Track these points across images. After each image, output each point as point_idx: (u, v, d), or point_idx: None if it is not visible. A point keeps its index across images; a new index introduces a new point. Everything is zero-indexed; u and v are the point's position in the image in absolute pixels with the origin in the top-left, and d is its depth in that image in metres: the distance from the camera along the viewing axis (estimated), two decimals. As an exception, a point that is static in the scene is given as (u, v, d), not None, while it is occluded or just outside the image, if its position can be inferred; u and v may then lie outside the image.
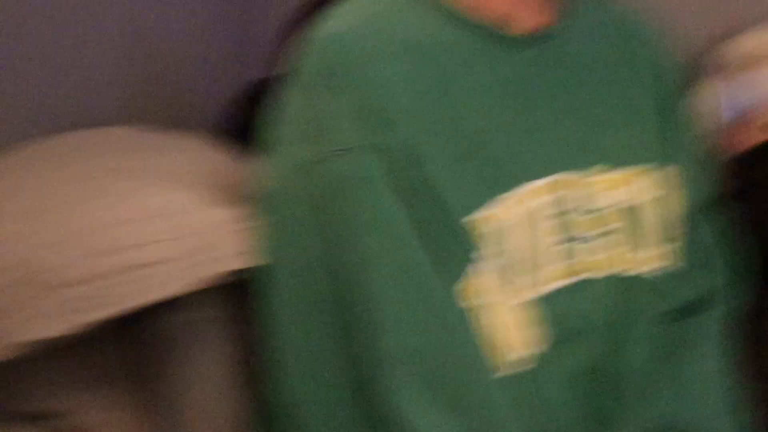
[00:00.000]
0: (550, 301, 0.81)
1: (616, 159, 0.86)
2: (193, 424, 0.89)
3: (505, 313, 0.78)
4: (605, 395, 0.84)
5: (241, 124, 0.90)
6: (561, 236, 0.82)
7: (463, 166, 0.78)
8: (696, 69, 1.39)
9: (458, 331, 0.75)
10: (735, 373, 0.90)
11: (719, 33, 1.38)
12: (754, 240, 0.98)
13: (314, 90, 0.76)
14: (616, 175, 0.86)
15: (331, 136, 0.75)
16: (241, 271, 0.84)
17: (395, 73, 0.76)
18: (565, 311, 0.82)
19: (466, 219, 0.77)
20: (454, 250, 0.76)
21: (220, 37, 1.65)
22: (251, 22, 1.70)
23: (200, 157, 1.00)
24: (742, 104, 1.33)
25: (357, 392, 0.74)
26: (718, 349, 0.90)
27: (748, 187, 1.08)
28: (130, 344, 0.90)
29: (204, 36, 1.62)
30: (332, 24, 0.79)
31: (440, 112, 0.78)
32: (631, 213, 0.85)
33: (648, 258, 0.86)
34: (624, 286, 0.85)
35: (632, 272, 0.85)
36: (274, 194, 0.78)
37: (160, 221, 0.85)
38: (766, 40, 1.33)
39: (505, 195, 0.80)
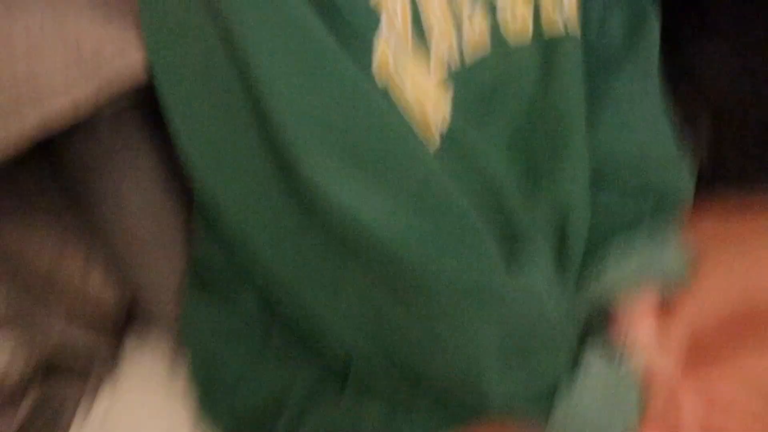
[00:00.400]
0: (474, 67, 0.78)
1: None
2: (128, 249, 0.86)
3: (426, 83, 0.74)
4: (540, 148, 0.82)
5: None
6: (475, 5, 0.77)
7: None
8: None
9: (378, 106, 0.71)
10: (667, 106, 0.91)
11: None
12: None
13: None
14: None
15: None
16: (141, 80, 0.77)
17: None
18: (490, 76, 0.79)
19: None
20: (363, 29, 0.71)
21: None
22: None
23: None
24: None
25: (282, 181, 0.71)
26: (646, 90, 0.89)
27: None
28: (57, 174, 0.87)
29: None
30: None
31: None
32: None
33: (553, 23, 0.82)
34: (545, 51, 0.82)
35: (547, 36, 0.82)
36: None
37: (51, 31, 0.78)
38: None
39: None
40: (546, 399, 0.75)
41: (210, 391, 0.81)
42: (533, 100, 0.82)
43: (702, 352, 0.86)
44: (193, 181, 0.76)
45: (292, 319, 0.77)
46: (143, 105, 0.82)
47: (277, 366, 0.80)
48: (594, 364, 0.76)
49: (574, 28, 0.84)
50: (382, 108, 0.71)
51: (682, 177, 0.89)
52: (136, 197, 0.86)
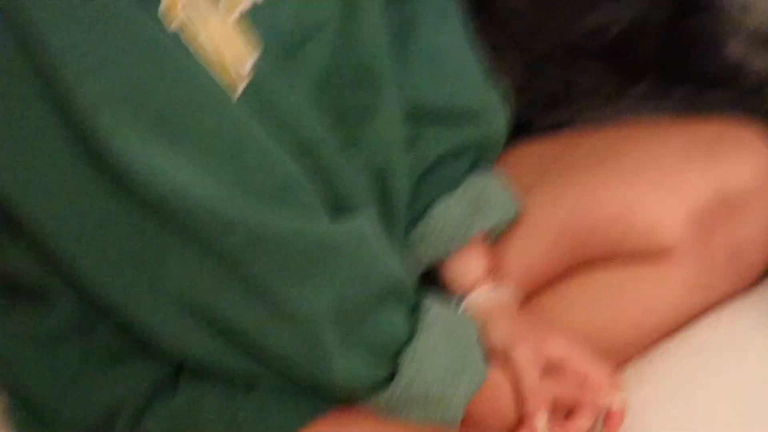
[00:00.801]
0: (272, 5, 0.74)
1: None
2: None
3: (221, 23, 0.70)
4: (351, 90, 0.79)
5: None
6: None
7: None
8: None
9: (163, 59, 0.66)
10: (469, 50, 0.90)
11: None
12: None
13: None
14: None
15: None
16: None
17: None
18: (289, 13, 0.76)
19: None
20: None
21: None
22: None
23: None
24: None
25: (82, 158, 0.65)
26: (449, 25, 0.88)
27: None
28: None
29: None
30: None
31: None
32: None
33: None
34: None
35: None
36: None
37: None
38: None
39: None
40: (391, 359, 0.73)
41: (32, 403, 0.76)
42: (338, 41, 0.78)
43: (534, 284, 0.87)
44: None
45: (115, 317, 0.72)
46: None
47: (105, 369, 0.75)
48: (432, 307, 0.75)
49: None
50: (175, 56, 0.66)
51: (497, 118, 0.88)
52: None
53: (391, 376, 0.72)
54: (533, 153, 0.94)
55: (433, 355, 0.72)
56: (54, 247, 0.68)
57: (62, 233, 0.67)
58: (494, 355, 0.76)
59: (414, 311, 0.75)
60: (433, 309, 0.75)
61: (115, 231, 0.67)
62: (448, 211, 0.83)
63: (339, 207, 0.75)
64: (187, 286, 0.68)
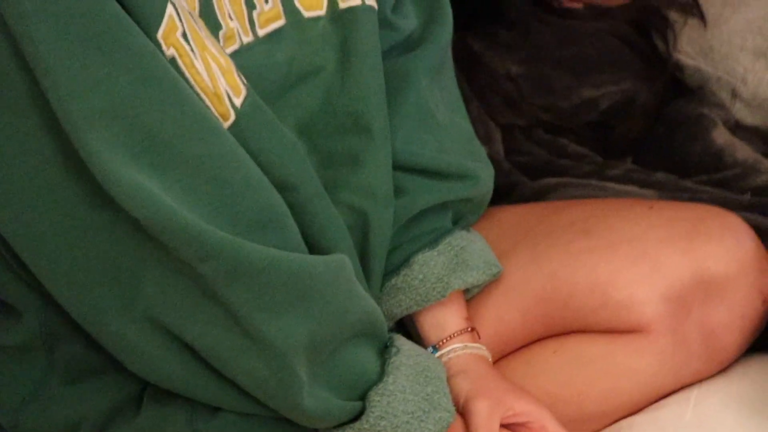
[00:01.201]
0: (268, 43, 0.75)
1: None
2: None
3: (219, 58, 0.70)
4: (341, 135, 0.79)
5: None
6: None
7: None
8: None
9: (162, 81, 0.65)
10: (462, 108, 0.91)
11: None
12: None
13: None
14: None
15: None
16: None
17: None
18: (286, 49, 0.76)
19: None
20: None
21: None
22: None
23: None
24: None
25: (70, 170, 0.65)
26: (439, 83, 0.88)
27: None
28: None
29: None
30: None
31: None
32: None
33: None
34: (341, 21, 0.79)
35: (342, 6, 0.79)
36: None
37: None
38: None
39: None
40: (361, 394, 0.72)
41: None
42: (332, 86, 0.79)
43: (506, 346, 0.87)
44: None
45: (85, 330, 0.70)
46: None
47: (68, 384, 0.74)
48: (404, 347, 0.75)
49: None
50: (170, 80, 0.66)
51: (482, 179, 0.88)
52: None
53: (361, 411, 0.72)
54: (515, 215, 0.94)
55: (403, 393, 0.72)
56: (28, 255, 0.67)
57: (39, 242, 0.66)
58: (456, 405, 0.76)
59: (386, 349, 0.75)
60: (405, 348, 0.75)
61: (94, 245, 0.66)
62: (429, 265, 0.83)
63: (316, 248, 0.74)
64: (161, 308, 0.67)
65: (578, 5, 1.09)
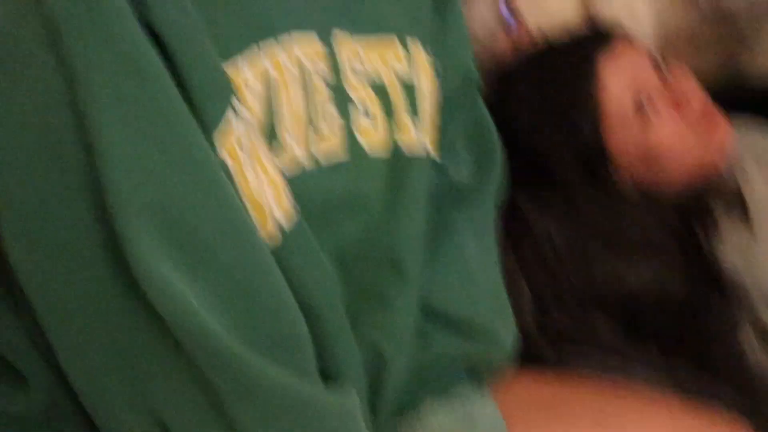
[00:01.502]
0: (327, 170, 0.75)
1: (375, 22, 0.81)
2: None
3: (271, 172, 0.70)
4: (375, 272, 0.80)
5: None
6: (332, 97, 0.75)
7: (214, 3, 0.70)
8: None
9: (211, 183, 0.66)
10: (497, 265, 0.92)
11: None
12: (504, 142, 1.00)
13: None
14: (376, 40, 0.81)
15: None
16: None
17: None
18: (338, 182, 0.76)
19: (224, 63, 0.69)
20: (211, 96, 0.67)
21: None
22: None
23: None
24: (516, 12, 1.39)
25: (106, 254, 0.65)
26: (480, 238, 0.90)
27: (506, 92, 1.14)
28: None
29: None
30: None
31: None
32: (396, 84, 0.81)
33: (409, 138, 0.81)
34: (401, 166, 0.80)
35: (402, 150, 0.81)
36: None
37: None
38: None
39: (268, 41, 0.72)
40: None
41: None
42: (375, 222, 0.80)
43: None
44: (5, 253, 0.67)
45: (87, 418, 0.70)
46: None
47: None
48: None
49: (430, 148, 0.83)
50: (219, 183, 0.67)
51: (506, 341, 0.89)
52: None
53: None
54: (531, 384, 0.93)
55: None
56: (50, 324, 0.67)
57: (62, 315, 0.67)
58: None
59: None
60: None
61: (114, 330, 0.66)
62: (439, 421, 0.82)
63: (328, 375, 0.74)
64: (166, 408, 0.67)
65: (629, 185, 1.11)
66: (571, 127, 1.10)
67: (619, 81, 1.09)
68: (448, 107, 0.88)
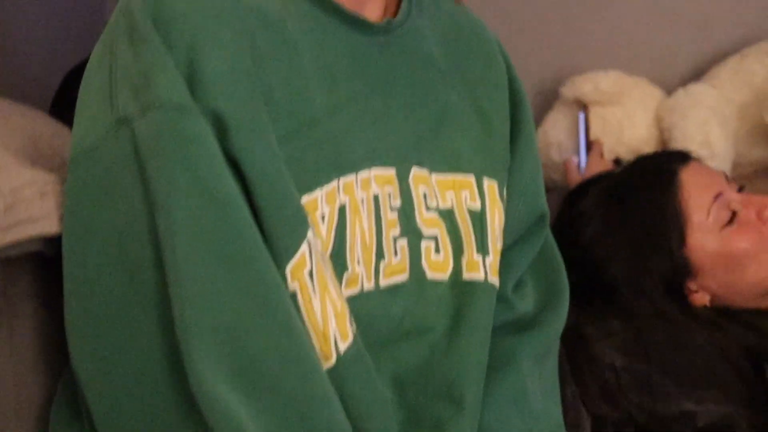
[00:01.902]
0: (387, 295, 0.76)
1: (452, 162, 0.84)
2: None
3: (336, 302, 0.72)
4: (434, 399, 0.79)
5: (71, 98, 0.85)
6: (402, 229, 0.78)
7: (302, 140, 0.73)
8: (547, 100, 1.59)
9: (277, 312, 0.68)
10: (557, 395, 0.91)
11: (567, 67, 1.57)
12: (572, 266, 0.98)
13: (139, 41, 0.69)
14: (451, 178, 0.83)
15: (155, 90, 0.68)
16: (51, 238, 0.76)
17: (223, 34, 0.70)
18: (397, 303, 0.77)
19: (302, 197, 0.72)
20: (288, 229, 0.70)
21: (62, 15, 1.77)
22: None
23: (21, 123, 0.94)
24: (589, 136, 1.47)
25: (170, 374, 0.68)
26: (540, 369, 0.88)
27: (576, 217, 1.17)
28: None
29: (46, 16, 1.73)
30: None
31: (277, 81, 0.73)
32: (467, 218, 0.83)
33: (471, 264, 0.82)
34: (461, 290, 0.81)
35: (462, 274, 0.82)
36: (83, 151, 0.71)
37: None
38: (615, 80, 1.49)
39: (349, 176, 0.75)
40: None
41: None
42: (436, 345, 0.80)
43: None
44: (71, 357, 0.71)
45: None
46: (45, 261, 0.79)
47: None
48: None
49: (494, 275, 0.84)
50: (288, 315, 0.69)
51: None
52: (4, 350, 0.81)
53: None
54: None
55: None
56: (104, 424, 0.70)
57: (118, 418, 0.69)
58: None
59: None
60: None
61: None
62: None
63: None
64: None
65: (705, 302, 1.11)
66: (655, 245, 1.10)
67: (704, 191, 1.11)
68: (519, 243, 0.90)
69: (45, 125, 0.96)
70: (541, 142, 1.54)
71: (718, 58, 1.53)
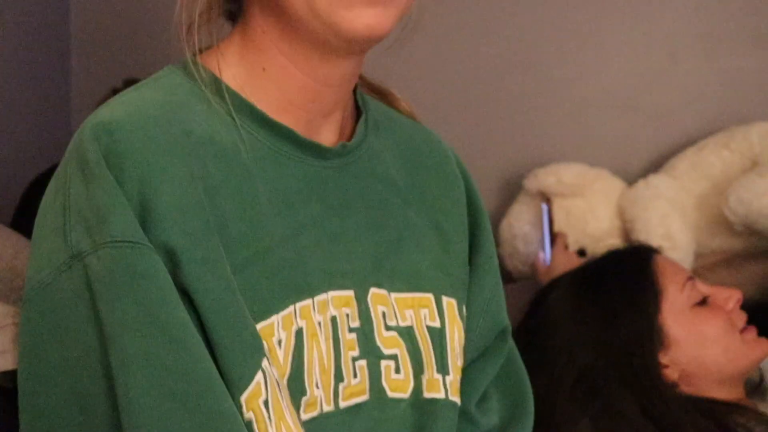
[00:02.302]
0: (348, 414, 0.76)
1: (412, 281, 0.85)
2: None
3: (293, 430, 0.72)
4: None
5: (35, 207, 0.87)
6: (361, 350, 0.79)
7: (257, 268, 0.75)
8: (511, 192, 1.67)
9: None
10: None
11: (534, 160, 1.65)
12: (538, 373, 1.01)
13: (91, 177, 0.71)
14: (410, 297, 0.84)
15: (108, 227, 0.69)
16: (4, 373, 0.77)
17: (174, 167, 0.72)
18: (357, 423, 0.77)
19: (258, 323, 0.73)
20: (241, 359, 0.71)
21: (25, 119, 1.80)
22: (53, 112, 1.88)
23: None
24: (553, 228, 1.54)
25: None
26: None
27: (546, 307, 1.19)
28: None
29: (7, 117, 1.74)
30: (110, 110, 0.75)
31: (231, 211, 0.75)
32: (426, 336, 0.84)
33: (431, 381, 0.83)
34: (422, 409, 0.81)
35: (422, 391, 0.82)
36: (38, 287, 0.72)
37: None
38: (577, 172, 1.57)
39: (305, 301, 0.76)
40: None
41: None
42: None
43: None
44: None
45: None
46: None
47: None
48: None
49: (455, 395, 0.84)
50: None
51: None
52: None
53: None
54: None
55: None
56: None
57: None
58: None
59: None
60: None
61: None
62: None
63: None
64: None
65: (675, 378, 1.12)
66: (632, 313, 1.13)
67: (678, 270, 1.17)
68: (481, 358, 0.90)
69: (5, 244, 0.97)
70: (506, 233, 1.59)
71: (676, 149, 1.59)
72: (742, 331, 1.15)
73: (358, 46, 0.78)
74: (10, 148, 1.71)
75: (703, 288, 1.16)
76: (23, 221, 1.22)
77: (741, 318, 1.16)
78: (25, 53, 1.78)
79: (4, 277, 0.88)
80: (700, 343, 1.13)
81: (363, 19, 0.75)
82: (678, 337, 1.13)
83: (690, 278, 1.16)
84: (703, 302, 1.15)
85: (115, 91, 1.31)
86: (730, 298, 1.16)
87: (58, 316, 0.70)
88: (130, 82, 1.28)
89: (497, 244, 1.57)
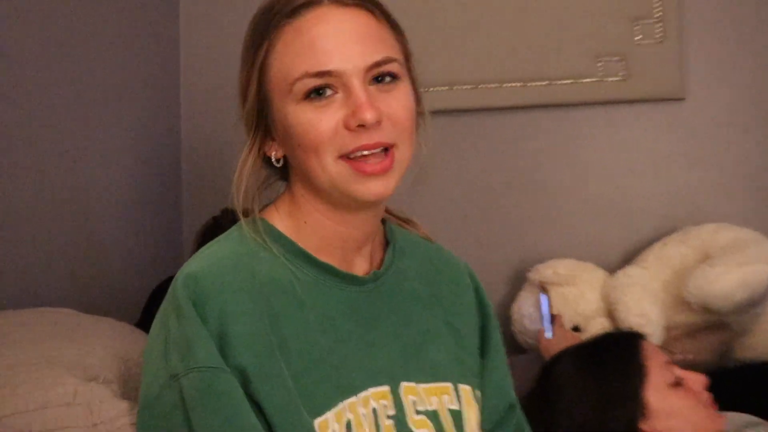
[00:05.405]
0: None
1: (434, 373, 0.95)
2: None
3: None
4: None
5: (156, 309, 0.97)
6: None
7: (312, 376, 0.87)
8: (518, 282, 1.84)
9: None
10: None
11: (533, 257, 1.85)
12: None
13: (182, 317, 0.84)
14: (434, 386, 0.95)
15: (195, 355, 0.82)
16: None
17: (244, 304, 0.85)
18: None
19: (315, 419, 0.84)
20: None
21: (148, 240, 1.95)
22: (171, 231, 2.04)
23: (115, 346, 1.14)
24: (551, 310, 1.70)
25: None
26: None
27: (549, 387, 1.27)
28: None
29: (134, 239, 1.91)
30: (197, 263, 0.87)
31: (289, 332, 0.87)
32: (448, 416, 0.95)
33: None
34: None
35: None
36: (149, 398, 0.86)
37: (66, 409, 0.97)
38: (569, 266, 1.76)
39: (351, 398, 0.88)
40: None
41: None
42: None
43: None
44: None
45: None
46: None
47: None
48: None
49: None
50: None
51: None
52: None
53: None
54: None
55: None
56: None
57: None
58: None
59: None
60: None
61: None
62: None
63: None
64: None
65: None
66: (623, 387, 1.22)
67: (660, 355, 1.27)
68: (495, 428, 1.01)
69: (134, 343, 1.16)
70: (516, 315, 1.80)
71: (645, 245, 1.79)
72: (707, 407, 1.24)
73: (370, 205, 0.92)
74: (130, 261, 1.89)
75: (678, 371, 1.25)
76: (148, 318, 1.33)
77: (706, 397, 1.25)
78: (143, 187, 1.95)
79: (134, 374, 1.06)
80: (674, 416, 1.21)
81: (371, 189, 0.88)
82: (657, 410, 1.20)
83: (668, 362, 1.25)
84: (678, 383, 1.22)
85: (214, 218, 1.60)
86: (699, 381, 1.24)
87: (164, 421, 0.85)
88: (226, 211, 1.57)
89: (509, 324, 1.80)
